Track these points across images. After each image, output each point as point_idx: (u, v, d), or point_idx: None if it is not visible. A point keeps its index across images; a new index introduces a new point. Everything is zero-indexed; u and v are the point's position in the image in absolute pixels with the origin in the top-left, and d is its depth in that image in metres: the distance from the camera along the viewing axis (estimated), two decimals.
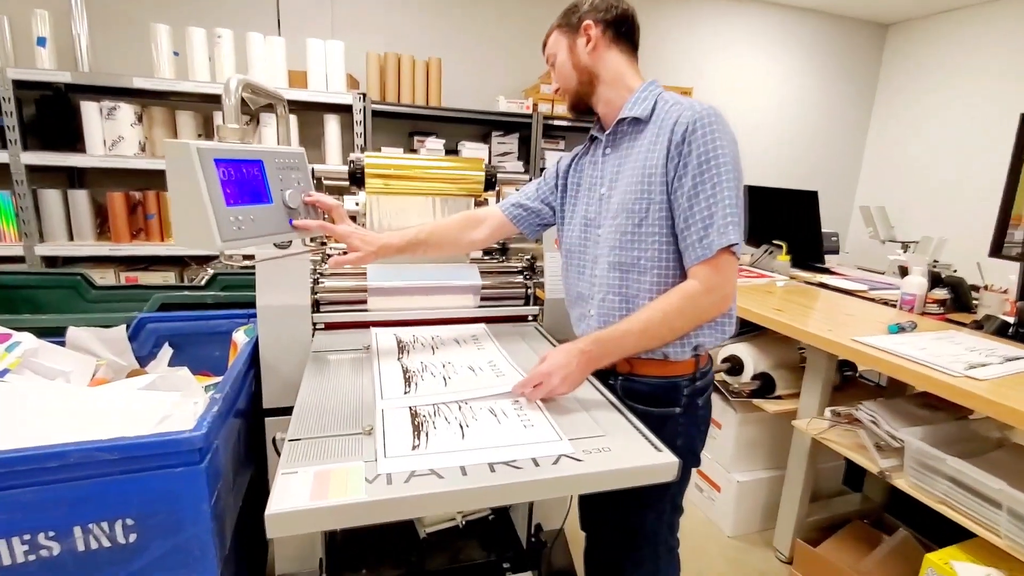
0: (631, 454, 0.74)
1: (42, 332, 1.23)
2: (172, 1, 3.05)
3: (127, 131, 2.78)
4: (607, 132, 1.02)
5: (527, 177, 3.35)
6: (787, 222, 2.51)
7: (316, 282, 1.22)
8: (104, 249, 2.82)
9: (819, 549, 1.61)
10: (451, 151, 3.35)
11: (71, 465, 0.74)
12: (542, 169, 3.43)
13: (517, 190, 1.44)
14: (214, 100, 2.84)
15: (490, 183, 1.30)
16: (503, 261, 1.59)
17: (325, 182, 1.22)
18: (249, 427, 1.11)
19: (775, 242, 2.40)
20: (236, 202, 0.79)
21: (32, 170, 2.64)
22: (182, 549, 0.82)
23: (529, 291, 1.37)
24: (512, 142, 3.51)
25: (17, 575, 0.75)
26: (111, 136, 2.77)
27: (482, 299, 1.35)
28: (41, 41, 2.64)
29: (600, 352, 0.91)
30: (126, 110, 2.75)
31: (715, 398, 1.90)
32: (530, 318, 1.36)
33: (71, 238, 2.84)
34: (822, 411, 1.59)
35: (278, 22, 3.24)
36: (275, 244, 1.08)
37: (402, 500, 0.62)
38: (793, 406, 1.68)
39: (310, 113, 3.13)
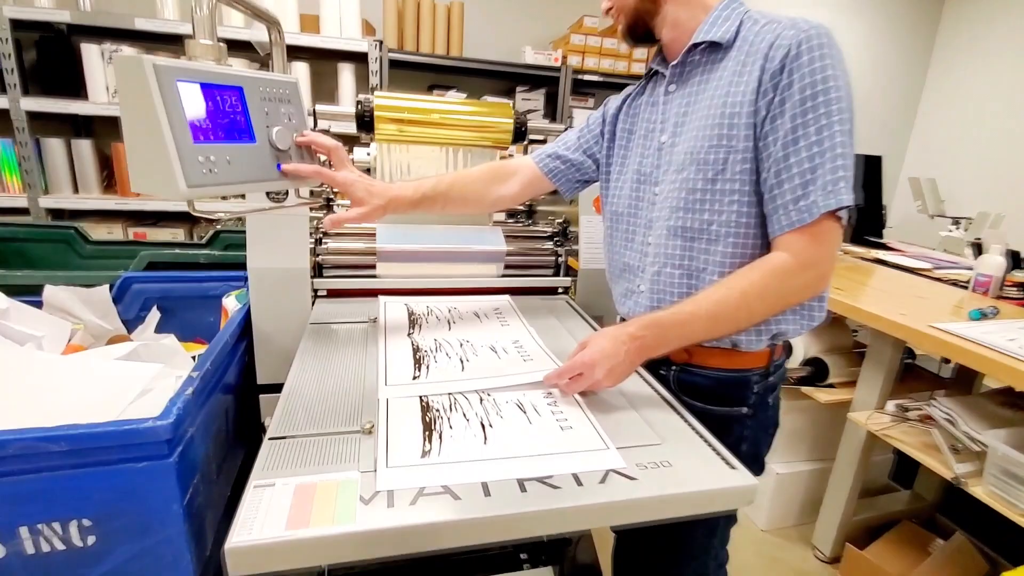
0: (698, 472, 0.58)
1: (20, 290, 1.10)
2: None
3: None
4: (674, 63, 0.82)
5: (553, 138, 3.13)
6: None
7: (318, 243, 1.07)
8: (110, 203, 2.70)
9: (867, 552, 1.47)
10: None
11: (12, 457, 0.61)
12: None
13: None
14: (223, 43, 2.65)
15: (519, 133, 1.12)
16: (529, 225, 1.42)
17: (333, 129, 1.05)
18: (240, 405, 0.98)
19: None
20: (207, 138, 0.63)
21: (33, 117, 2.50)
22: (151, 553, 0.69)
23: (560, 260, 1.20)
24: (538, 98, 3.27)
25: None
26: (114, 82, 2.60)
27: (506, 267, 1.18)
28: None
29: (657, 339, 0.73)
30: (129, 54, 2.57)
31: None
32: (560, 291, 1.20)
33: (76, 190, 2.72)
34: (882, 403, 1.41)
35: None
36: (269, 195, 0.92)
37: (407, 531, 0.47)
38: (847, 396, 1.51)
39: (323, 62, 2.92)
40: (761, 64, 0.71)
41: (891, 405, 1.36)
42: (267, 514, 0.48)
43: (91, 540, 0.67)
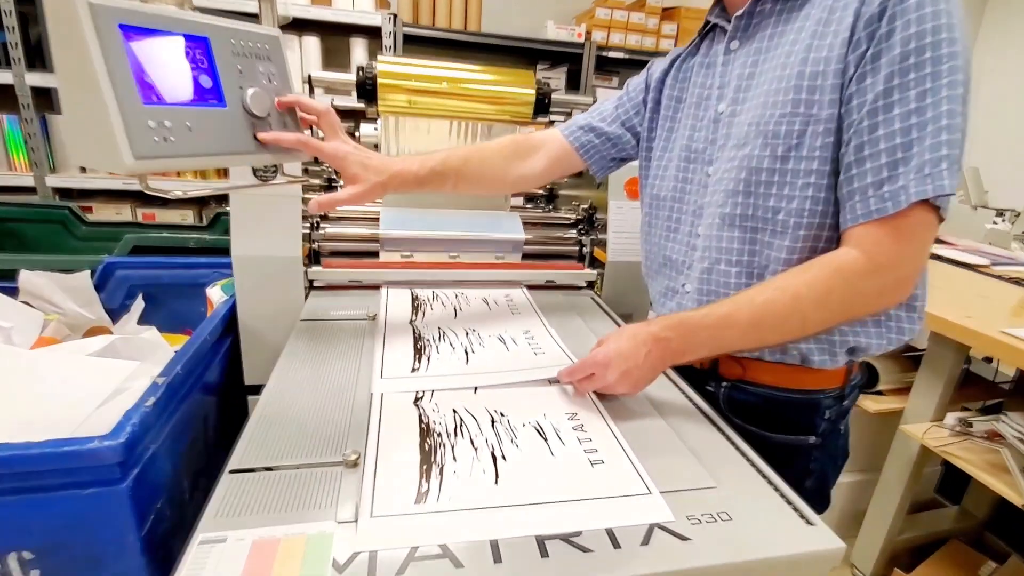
0: (766, 530, 0.46)
1: None
2: None
3: None
4: (738, 13, 0.67)
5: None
6: None
7: (314, 227, 0.95)
8: (118, 183, 2.62)
9: (915, 574, 1.34)
10: None
11: None
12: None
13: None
14: (230, 14, 2.54)
15: (542, 105, 0.99)
16: (550, 211, 1.28)
17: (336, 102, 0.93)
18: (224, 408, 0.88)
19: None
20: (161, 99, 0.51)
21: (39, 93, 2.42)
22: None
23: (585, 250, 1.07)
24: (559, 76, 3.11)
25: None
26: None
27: (524, 257, 1.06)
28: None
29: (684, 343, 0.61)
30: None
31: None
32: (585, 285, 1.07)
33: (84, 169, 2.65)
34: (940, 415, 1.27)
35: None
36: (255, 172, 0.81)
37: None
38: (898, 404, 1.36)
39: (334, 37, 2.79)
40: (856, 8, 0.56)
41: (951, 418, 1.22)
42: None
43: (34, 575, 0.57)
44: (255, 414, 0.57)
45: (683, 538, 0.44)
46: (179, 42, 0.53)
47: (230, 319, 0.87)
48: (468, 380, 0.66)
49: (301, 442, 0.52)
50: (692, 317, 0.62)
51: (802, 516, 0.47)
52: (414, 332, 0.79)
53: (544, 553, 0.41)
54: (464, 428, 0.57)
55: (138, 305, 1.07)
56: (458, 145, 1.05)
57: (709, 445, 0.58)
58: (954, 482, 1.67)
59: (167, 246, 1.16)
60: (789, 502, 0.49)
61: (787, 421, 0.69)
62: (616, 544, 0.43)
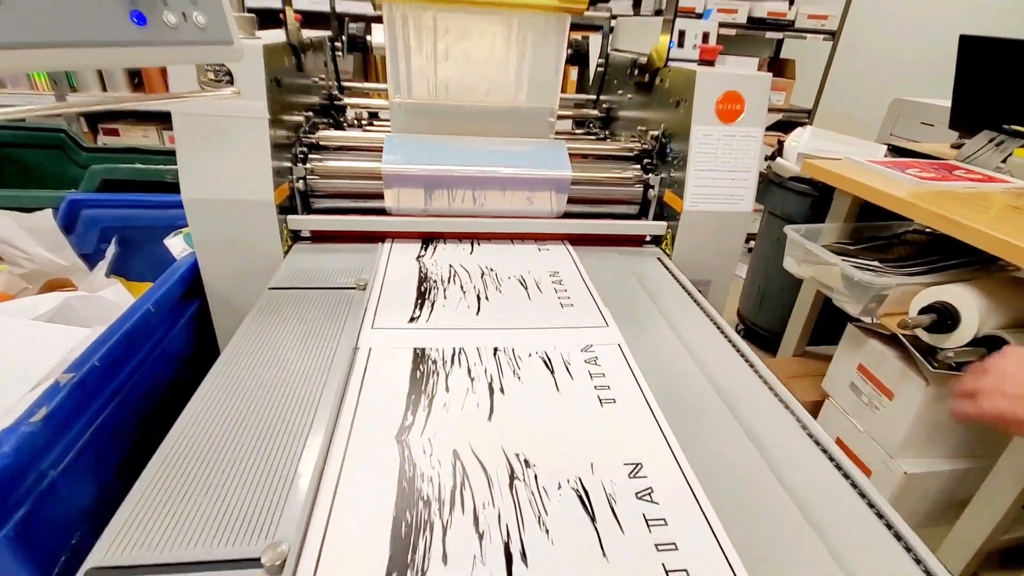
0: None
1: None
2: None
3: None
4: None
5: None
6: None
7: (297, 160, 0.74)
8: (142, 104, 2.47)
9: None
10: None
11: None
12: (656, 11, 2.58)
13: None
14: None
15: None
16: (607, 139, 1.02)
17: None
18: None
19: (1009, 127, 1.60)
20: None
21: None
22: None
23: (653, 193, 0.82)
24: None
25: None
26: None
27: (571, 202, 0.81)
28: None
29: None
30: None
31: (893, 356, 1.34)
32: (649, 240, 0.83)
33: (105, 88, 2.50)
34: None
35: None
36: (201, 81, 0.58)
37: None
38: None
39: None
40: None
41: None
42: None
43: None
44: (185, 412, 0.39)
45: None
46: None
47: (194, 279, 0.69)
48: (476, 338, 0.53)
49: (214, 516, 0.34)
50: None
51: None
52: (420, 270, 0.65)
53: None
54: (463, 489, 0.37)
55: (110, 251, 0.91)
56: (474, 65, 0.79)
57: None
58: None
59: (141, 179, 0.98)
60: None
61: None
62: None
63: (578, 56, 1.11)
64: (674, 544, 0.34)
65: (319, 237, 0.74)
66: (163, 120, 2.57)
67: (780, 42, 3.07)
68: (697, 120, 0.71)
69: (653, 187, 0.81)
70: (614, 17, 0.95)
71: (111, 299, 0.77)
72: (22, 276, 0.85)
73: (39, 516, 0.43)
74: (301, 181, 0.73)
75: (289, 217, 0.70)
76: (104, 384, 0.53)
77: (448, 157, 0.76)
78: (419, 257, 0.71)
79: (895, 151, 1.98)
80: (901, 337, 1.31)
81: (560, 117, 0.96)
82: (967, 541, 1.26)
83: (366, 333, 0.53)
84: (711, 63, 0.75)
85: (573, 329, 0.55)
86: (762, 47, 3.01)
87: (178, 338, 0.68)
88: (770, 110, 2.82)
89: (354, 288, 0.61)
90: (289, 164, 0.72)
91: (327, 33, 0.98)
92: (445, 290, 0.62)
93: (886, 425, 1.40)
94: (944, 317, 1.21)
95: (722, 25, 2.63)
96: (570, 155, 0.81)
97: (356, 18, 0.75)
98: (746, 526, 0.35)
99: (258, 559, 0.30)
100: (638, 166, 0.84)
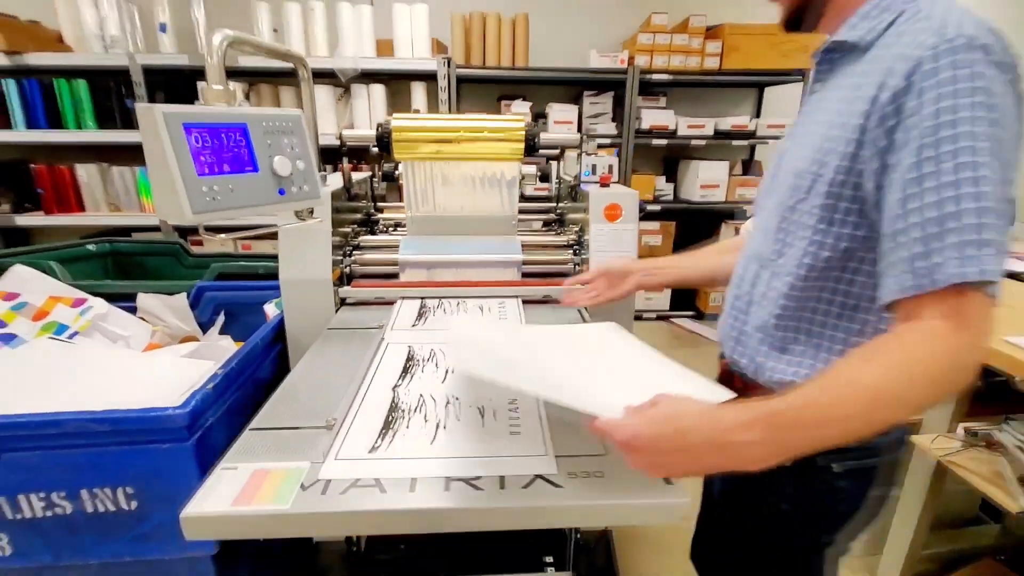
0: (629, 485, 0.58)
1: (121, 297, 1.33)
2: None
3: (242, 101, 2.96)
4: (816, 57, 0.69)
5: (619, 142, 3.07)
6: None
7: (347, 255, 1.18)
8: (272, 228, 3.09)
9: None
10: (539, 115, 3.19)
11: (69, 433, 0.76)
12: (637, 131, 3.14)
13: (586, 154, 1.25)
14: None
15: (531, 147, 1.15)
16: (560, 233, 1.44)
17: (348, 143, 1.16)
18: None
19: None
20: (211, 171, 0.74)
21: None
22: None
23: (578, 268, 1.22)
24: (606, 101, 3.25)
25: (41, 528, 0.81)
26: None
27: (524, 276, 1.22)
28: (162, 27, 2.88)
29: (776, 445, 0.52)
30: (235, 88, 2.93)
31: None
32: None
33: None
34: (955, 426, 1.25)
35: None
36: (296, 214, 1.04)
37: (329, 516, 0.54)
38: (915, 416, 1.35)
39: (398, 82, 3.13)
40: (883, 78, 0.56)
41: (960, 429, 1.21)
42: (222, 492, 0.56)
43: (134, 504, 0.81)
44: (277, 392, 0.78)
45: (557, 486, 0.58)
46: (225, 130, 0.76)
47: (280, 329, 1.11)
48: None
49: (301, 411, 0.72)
50: (778, 408, 0.52)
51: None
52: (408, 352, 0.93)
53: (447, 488, 0.57)
54: (422, 405, 0.74)
55: (220, 320, 1.35)
56: (462, 190, 1.25)
57: None
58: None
59: (243, 273, 1.45)
60: None
61: None
62: (502, 487, 0.58)
63: (544, 176, 1.57)
64: (519, 425, 0.69)
65: (359, 302, 1.17)
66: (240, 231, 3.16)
67: (753, 148, 3.56)
68: (594, 220, 1.13)
69: (578, 264, 1.21)
70: (562, 152, 1.42)
71: (224, 346, 1.19)
72: (168, 334, 1.29)
73: (204, 440, 0.81)
74: (348, 267, 1.17)
75: (340, 288, 1.13)
76: (235, 378, 0.93)
77: (441, 250, 1.19)
78: (395, 387, 0.81)
79: None
80: None
81: (536, 219, 1.39)
82: (896, 559, 1.45)
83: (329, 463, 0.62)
84: (607, 185, 1.17)
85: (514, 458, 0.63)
86: (736, 152, 3.50)
87: (266, 367, 1.08)
88: (746, 202, 3.25)
89: (376, 328, 1.02)
90: (342, 256, 1.16)
91: (368, 174, 1.48)
92: (410, 420, 0.71)
93: None
94: None
95: (693, 138, 3.15)
96: (526, 245, 1.23)
97: (389, 160, 1.21)
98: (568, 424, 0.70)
99: (324, 425, 0.68)
100: (571, 250, 1.25)
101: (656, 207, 3.26)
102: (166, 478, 0.80)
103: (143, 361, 1.10)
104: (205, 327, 1.40)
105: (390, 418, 0.71)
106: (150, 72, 2.87)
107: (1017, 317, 1.28)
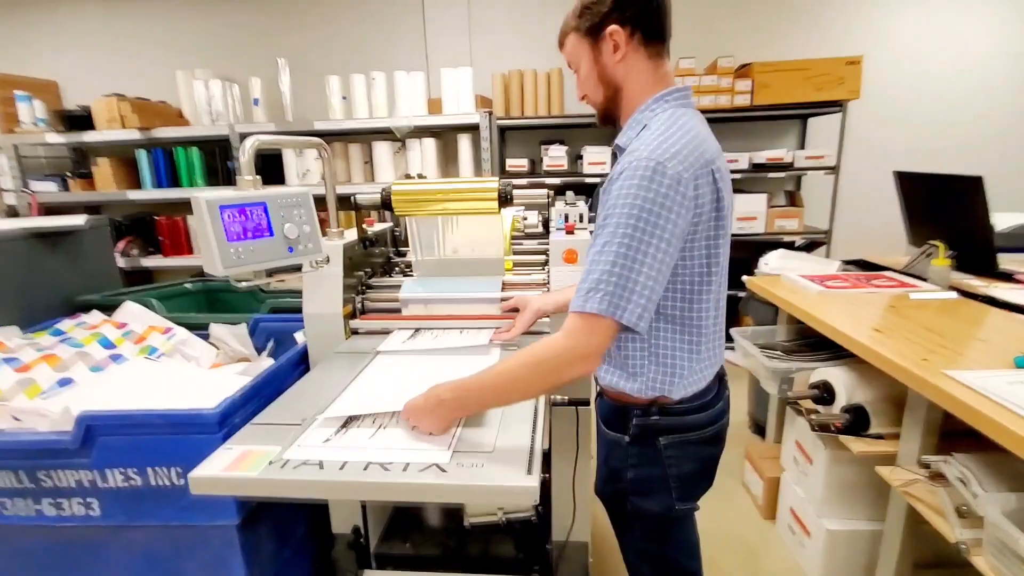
0: (497, 473, 0.77)
1: (198, 326, 1.70)
2: (348, 53, 3.70)
3: (312, 164, 3.47)
4: (615, 153, 0.95)
5: None
6: (952, 216, 1.98)
7: (360, 292, 1.45)
8: (298, 273, 3.55)
9: None
10: (577, 156, 3.40)
11: (139, 424, 1.07)
12: None
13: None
14: (372, 133, 3.39)
15: (504, 200, 1.37)
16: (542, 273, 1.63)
17: (361, 204, 1.45)
18: None
19: (932, 242, 1.94)
20: (238, 238, 1.03)
21: None
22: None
23: None
24: None
25: (119, 495, 1.11)
26: (301, 170, 3.49)
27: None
28: (256, 101, 3.45)
29: (459, 403, 0.87)
30: (311, 148, 3.43)
31: (804, 427, 1.65)
32: (548, 331, 1.40)
33: None
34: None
35: (426, 57, 3.68)
36: (310, 264, 1.33)
37: (278, 482, 0.78)
38: (891, 448, 1.38)
39: (447, 135, 3.50)
40: (608, 184, 0.85)
41: (928, 459, 1.23)
42: (219, 462, 0.82)
43: (180, 481, 1.10)
44: (281, 397, 1.05)
45: (443, 471, 0.78)
46: (251, 207, 1.06)
47: (305, 352, 1.40)
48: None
49: (291, 412, 0.98)
50: (466, 382, 0.87)
51: (527, 469, 0.77)
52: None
53: (365, 468, 0.79)
54: (378, 418, 0.97)
55: (271, 345, 1.68)
56: (453, 234, 1.49)
57: (521, 430, 0.89)
58: None
59: (290, 308, 1.78)
60: (529, 462, 0.79)
61: (611, 421, 0.99)
62: (404, 469, 0.79)
63: (546, 223, 1.78)
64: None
65: (368, 331, 1.43)
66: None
67: (799, 178, 3.54)
68: (553, 263, 1.32)
69: None
70: (551, 201, 1.63)
71: (266, 366, 1.49)
72: (229, 356, 1.63)
73: (231, 432, 1.08)
74: (360, 303, 1.44)
75: (351, 320, 1.40)
76: (262, 388, 1.21)
77: (433, 289, 1.43)
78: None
79: (862, 265, 2.30)
80: (803, 411, 1.64)
81: (534, 260, 1.61)
82: None
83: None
84: (571, 232, 1.37)
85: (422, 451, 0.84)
86: (777, 184, 3.50)
87: (292, 380, 1.36)
88: (785, 234, 3.24)
89: (369, 352, 1.27)
90: (354, 295, 1.43)
91: (391, 224, 1.77)
92: (362, 421, 0.92)
93: (811, 487, 1.68)
94: (825, 392, 1.57)
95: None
96: (508, 284, 1.44)
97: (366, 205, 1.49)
98: (479, 429, 0.90)
99: (300, 422, 0.93)
100: (544, 288, 1.44)
101: None
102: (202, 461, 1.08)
103: (206, 375, 1.43)
104: (260, 350, 1.73)
105: (349, 420, 0.95)
106: (245, 137, 3.42)
107: (991, 350, 1.29)
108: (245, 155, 1.10)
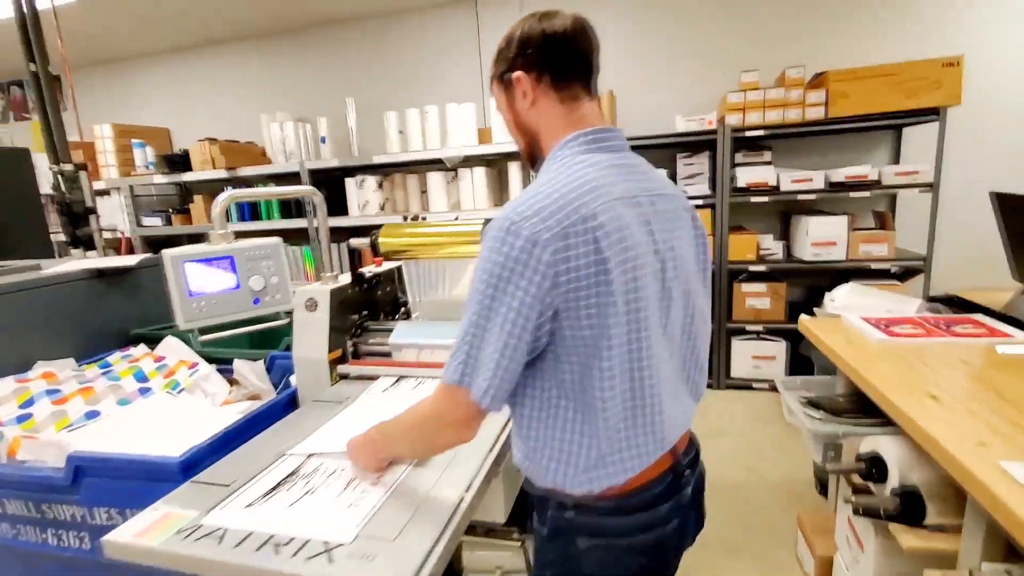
0: (383, 567, 0.70)
1: (226, 361, 1.80)
2: (405, 88, 3.85)
3: (371, 196, 3.62)
4: None
5: (712, 202, 3.00)
6: None
7: (353, 334, 1.45)
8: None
9: None
10: None
11: (116, 468, 1.12)
12: (734, 189, 3.00)
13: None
14: (427, 163, 3.48)
15: None
16: None
17: (354, 248, 1.45)
18: None
19: None
20: (200, 292, 1.06)
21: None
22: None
23: None
24: (701, 162, 3.20)
25: (104, 534, 1.18)
26: (361, 201, 3.65)
27: None
28: (323, 139, 3.68)
29: (381, 444, 0.91)
30: (371, 180, 3.59)
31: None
32: None
33: None
34: (993, 559, 1.01)
35: (481, 87, 3.72)
36: (305, 305, 1.35)
37: (175, 556, 0.76)
38: (949, 546, 1.11)
39: (497, 163, 3.50)
40: None
41: (988, 567, 0.97)
42: (135, 526, 0.83)
43: None
44: (229, 455, 1.05)
45: (329, 562, 0.72)
46: (217, 261, 1.09)
47: (294, 395, 1.42)
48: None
49: (234, 470, 0.97)
50: (384, 426, 0.90)
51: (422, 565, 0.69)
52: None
53: (257, 548, 0.75)
54: (315, 473, 0.93)
55: (285, 382, 1.73)
56: (454, 275, 1.45)
57: (441, 512, 0.82)
58: None
59: None
60: (428, 556, 0.71)
61: (535, 506, 0.87)
62: (294, 554, 0.74)
63: None
64: (360, 500, 0.85)
65: (359, 376, 1.42)
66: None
67: (893, 198, 3.12)
68: None
69: None
70: None
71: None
72: (243, 392, 1.70)
73: None
74: (352, 347, 1.44)
75: (338, 366, 1.40)
76: (229, 442, 1.23)
77: (417, 335, 1.40)
78: (309, 455, 1.02)
79: (953, 303, 1.96)
80: (848, 482, 1.40)
81: None
82: None
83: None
84: None
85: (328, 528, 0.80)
86: (860, 204, 3.10)
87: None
88: (873, 260, 2.85)
89: (342, 402, 1.25)
90: (347, 337, 1.43)
91: (398, 264, 1.77)
92: (293, 485, 0.90)
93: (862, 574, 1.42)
94: (875, 466, 1.32)
95: (799, 192, 2.90)
96: None
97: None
98: (404, 499, 0.84)
99: (228, 484, 0.92)
100: None
101: (760, 267, 3.04)
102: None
103: (212, 413, 1.50)
104: (278, 386, 1.80)
105: (282, 482, 0.92)
106: (314, 172, 3.66)
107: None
108: (219, 207, 1.14)
